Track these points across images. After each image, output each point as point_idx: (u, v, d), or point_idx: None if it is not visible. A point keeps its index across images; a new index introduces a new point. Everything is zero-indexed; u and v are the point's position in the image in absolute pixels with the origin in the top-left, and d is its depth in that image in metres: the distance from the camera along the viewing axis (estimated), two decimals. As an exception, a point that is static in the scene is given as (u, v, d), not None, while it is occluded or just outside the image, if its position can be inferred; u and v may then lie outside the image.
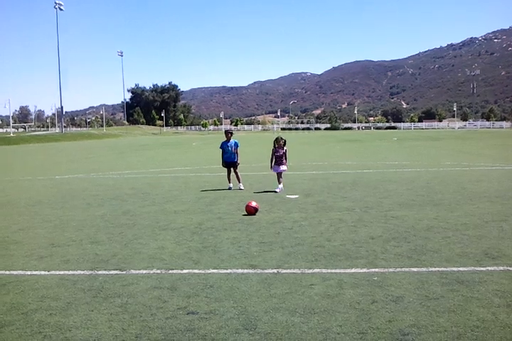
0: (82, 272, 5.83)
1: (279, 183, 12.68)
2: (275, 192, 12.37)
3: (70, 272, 5.84)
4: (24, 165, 26.53)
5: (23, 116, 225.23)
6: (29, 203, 11.62)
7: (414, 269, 5.64)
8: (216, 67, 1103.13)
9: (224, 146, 13.42)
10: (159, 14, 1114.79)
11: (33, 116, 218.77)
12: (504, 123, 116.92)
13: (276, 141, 12.74)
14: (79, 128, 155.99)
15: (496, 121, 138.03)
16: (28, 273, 5.85)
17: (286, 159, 12.85)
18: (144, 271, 5.80)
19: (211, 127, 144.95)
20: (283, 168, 12.75)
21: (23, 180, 17.15)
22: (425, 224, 8.08)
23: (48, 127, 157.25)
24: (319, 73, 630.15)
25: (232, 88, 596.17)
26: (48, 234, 8.06)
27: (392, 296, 4.78)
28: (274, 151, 12.77)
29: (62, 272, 5.84)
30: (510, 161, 20.14)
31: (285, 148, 12.86)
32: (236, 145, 13.40)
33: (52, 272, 5.85)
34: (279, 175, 12.75)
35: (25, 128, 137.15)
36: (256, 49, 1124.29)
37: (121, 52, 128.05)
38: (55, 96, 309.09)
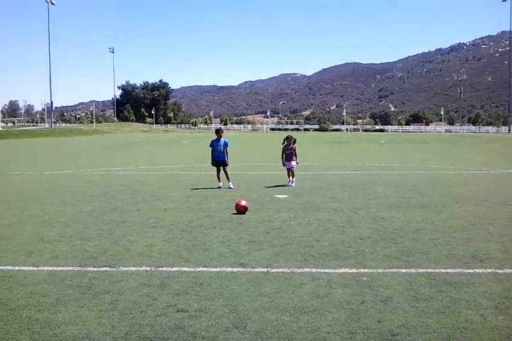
0: (71, 268, 5.79)
1: (292, 177, 13.76)
2: (290, 186, 13.44)
3: (59, 268, 5.80)
4: (13, 160, 26.28)
5: (12, 110, 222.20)
6: (18, 198, 11.53)
7: (403, 270, 5.69)
8: (207, 66, 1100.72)
9: (214, 145, 13.41)
10: (151, 11, 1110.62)
11: (22, 111, 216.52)
12: (490, 128, 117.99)
13: (287, 139, 13.80)
14: (68, 124, 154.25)
15: (482, 125, 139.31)
16: (17, 268, 5.81)
17: (296, 156, 13.78)
18: (134, 268, 5.78)
19: (201, 126, 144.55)
20: (293, 163, 13.72)
21: (12, 175, 17.00)
22: (413, 226, 8.15)
23: (37, 122, 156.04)
24: (309, 74, 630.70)
25: (222, 87, 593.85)
26: (37, 229, 8.01)
27: (382, 297, 4.82)
28: (285, 149, 13.72)
29: (50, 268, 5.81)
30: (495, 166, 20.35)
31: (295, 145, 13.82)
32: (226, 144, 13.40)
33: (41, 268, 5.81)
34: (291, 170, 13.76)
35: (14, 123, 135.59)
36: (247, 49, 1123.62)
37: (113, 49, 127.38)
38: (45, 92, 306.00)
